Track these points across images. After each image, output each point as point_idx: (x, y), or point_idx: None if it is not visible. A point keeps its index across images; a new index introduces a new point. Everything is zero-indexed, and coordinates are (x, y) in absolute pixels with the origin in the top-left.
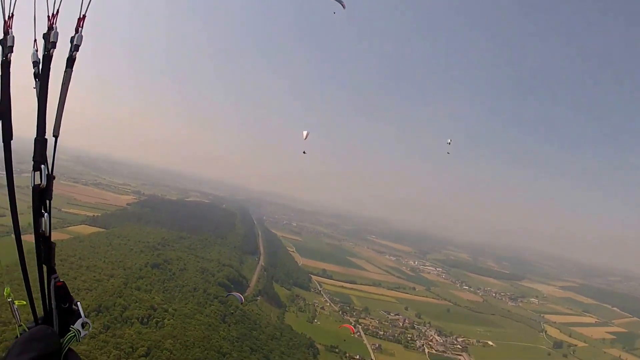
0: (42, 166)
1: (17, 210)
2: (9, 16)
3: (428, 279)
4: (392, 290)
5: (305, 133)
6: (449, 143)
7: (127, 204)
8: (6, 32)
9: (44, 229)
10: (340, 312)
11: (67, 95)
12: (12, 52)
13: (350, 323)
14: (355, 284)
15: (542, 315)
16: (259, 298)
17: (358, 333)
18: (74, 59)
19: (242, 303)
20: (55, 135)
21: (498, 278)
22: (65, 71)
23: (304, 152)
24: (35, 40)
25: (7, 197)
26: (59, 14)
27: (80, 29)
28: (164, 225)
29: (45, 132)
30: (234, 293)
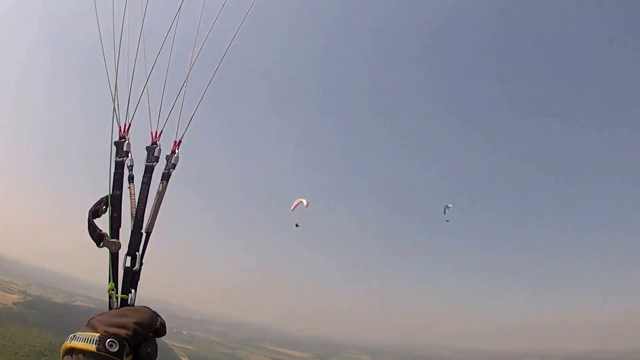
0: (137, 253)
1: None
2: (125, 125)
3: None
4: None
5: (303, 202)
6: (448, 207)
7: (13, 303)
8: (122, 137)
9: (130, 302)
10: None
11: (162, 201)
12: (127, 156)
13: None
14: None
15: None
16: None
17: None
18: (170, 175)
19: None
20: (148, 232)
21: None
22: (161, 182)
23: (296, 225)
24: (129, 153)
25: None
26: (161, 134)
27: (177, 150)
28: (51, 329)
29: (141, 227)
30: None
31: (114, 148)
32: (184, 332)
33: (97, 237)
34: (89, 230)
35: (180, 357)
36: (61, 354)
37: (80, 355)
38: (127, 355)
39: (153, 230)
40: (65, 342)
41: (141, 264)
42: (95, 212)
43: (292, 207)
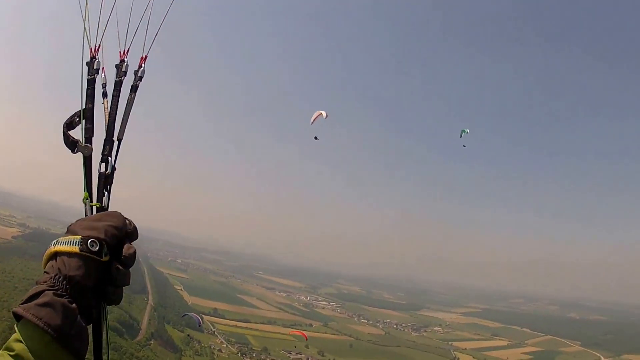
0: (109, 158)
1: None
2: (96, 46)
3: (323, 314)
4: (288, 327)
5: (323, 114)
6: (466, 132)
7: (13, 237)
8: (92, 57)
9: (104, 205)
10: (239, 354)
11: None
12: (97, 73)
13: None
14: (250, 322)
15: (449, 343)
16: (152, 342)
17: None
18: (137, 87)
19: (200, 325)
20: (119, 139)
21: (396, 309)
22: (130, 94)
23: (315, 138)
24: (103, 68)
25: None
26: (128, 52)
27: (143, 64)
28: None
29: (113, 135)
30: (191, 314)
31: (86, 68)
32: (179, 261)
33: (71, 143)
34: (64, 139)
35: (174, 286)
36: (44, 260)
37: (65, 257)
38: (105, 255)
39: (124, 137)
40: (49, 248)
41: (114, 168)
42: (69, 124)
43: (312, 120)
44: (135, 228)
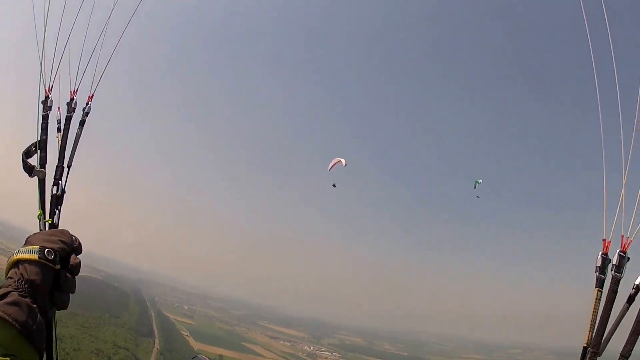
0: (60, 182)
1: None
2: (50, 87)
3: None
4: None
5: (342, 162)
6: (479, 183)
7: None
8: (47, 97)
9: (55, 222)
10: None
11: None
12: (50, 110)
13: None
14: None
15: None
16: None
17: None
18: (84, 121)
19: None
20: (69, 166)
21: None
22: (78, 128)
23: (334, 185)
24: (59, 108)
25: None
26: (78, 90)
27: (90, 102)
28: None
29: (63, 162)
30: (200, 357)
31: (41, 106)
32: (185, 307)
33: (28, 168)
34: (22, 165)
35: (181, 331)
36: (7, 268)
37: (26, 264)
38: (57, 264)
39: (73, 163)
40: (11, 257)
41: (63, 191)
42: (27, 153)
43: (330, 167)
44: (80, 244)
